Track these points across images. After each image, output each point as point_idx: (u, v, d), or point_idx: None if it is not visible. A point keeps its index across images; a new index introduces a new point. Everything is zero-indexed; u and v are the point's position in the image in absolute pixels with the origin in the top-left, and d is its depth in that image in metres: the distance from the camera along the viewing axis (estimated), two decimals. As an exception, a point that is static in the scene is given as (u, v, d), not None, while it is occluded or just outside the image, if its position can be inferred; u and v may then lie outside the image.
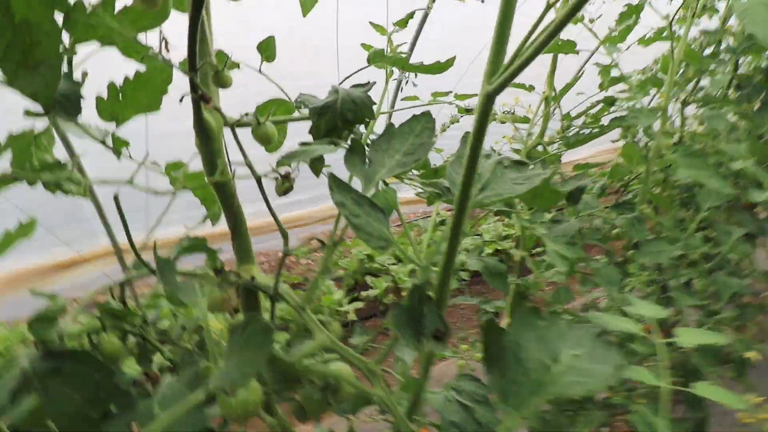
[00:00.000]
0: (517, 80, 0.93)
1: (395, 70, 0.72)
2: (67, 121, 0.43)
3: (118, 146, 0.49)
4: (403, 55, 0.61)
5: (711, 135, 1.40)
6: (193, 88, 0.42)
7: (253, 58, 0.63)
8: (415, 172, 0.86)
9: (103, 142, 0.45)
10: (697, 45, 1.44)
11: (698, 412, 1.17)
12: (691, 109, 1.48)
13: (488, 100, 0.27)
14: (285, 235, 0.41)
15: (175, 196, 0.48)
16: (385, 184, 0.46)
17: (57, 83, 0.39)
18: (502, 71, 0.25)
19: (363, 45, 0.60)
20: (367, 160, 0.45)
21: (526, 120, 1.21)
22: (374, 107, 0.62)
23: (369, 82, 0.55)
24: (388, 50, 0.63)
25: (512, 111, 1.31)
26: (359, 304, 3.09)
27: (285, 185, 0.40)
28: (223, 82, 0.44)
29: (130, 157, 0.50)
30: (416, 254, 0.40)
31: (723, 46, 1.37)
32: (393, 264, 3.37)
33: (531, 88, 1.20)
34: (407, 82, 0.74)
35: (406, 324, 0.33)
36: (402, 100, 0.74)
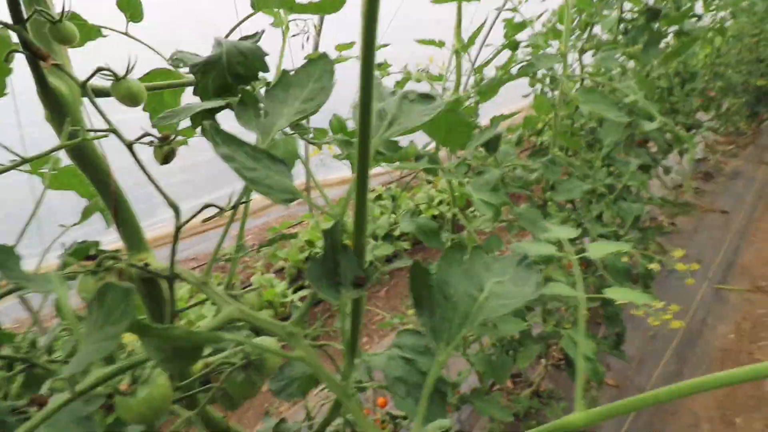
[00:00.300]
0: (429, 37, 0.91)
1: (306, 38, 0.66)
2: None
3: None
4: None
5: (606, 76, 1.51)
6: (24, 43, 0.34)
7: (147, 36, 0.54)
8: (333, 135, 0.82)
9: None
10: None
11: (616, 327, 1.31)
12: (588, 58, 1.59)
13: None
14: (175, 208, 0.35)
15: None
16: (285, 134, 0.42)
17: None
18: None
19: (248, -6, 0.54)
20: (262, 112, 0.40)
21: (440, 77, 1.21)
22: (276, 66, 0.56)
23: (257, 32, 0.49)
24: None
25: (427, 70, 1.31)
26: (305, 292, 3.02)
27: (165, 149, 0.35)
28: (64, 37, 0.36)
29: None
30: (329, 204, 0.36)
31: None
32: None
33: (441, 44, 1.20)
34: (308, 38, 0.68)
35: (321, 275, 0.30)
36: (304, 58, 0.69)
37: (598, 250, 0.42)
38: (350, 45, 0.69)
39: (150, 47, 0.58)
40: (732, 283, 2.63)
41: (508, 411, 1.14)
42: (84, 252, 0.58)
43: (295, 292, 3.03)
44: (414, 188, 4.07)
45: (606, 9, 1.35)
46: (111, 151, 0.56)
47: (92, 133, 0.35)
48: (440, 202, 3.89)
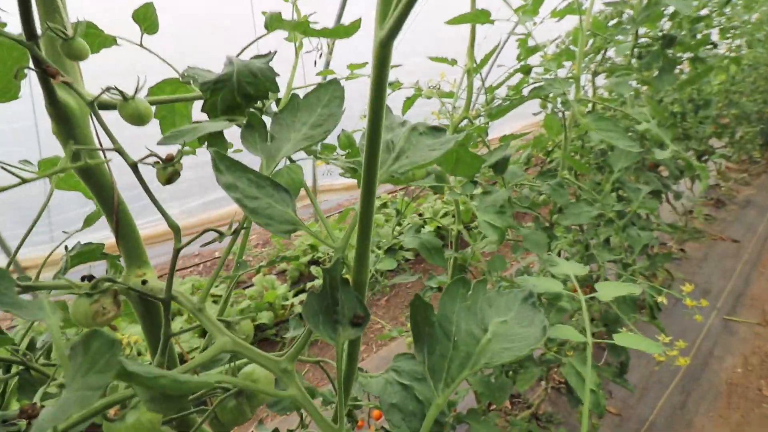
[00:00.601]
0: (441, 55, 0.90)
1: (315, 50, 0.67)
2: None
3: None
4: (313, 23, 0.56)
5: (618, 101, 1.50)
6: (35, 60, 0.34)
7: (164, 46, 0.54)
8: (341, 151, 0.82)
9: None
10: (602, 17, 1.53)
11: (620, 356, 1.28)
12: (601, 80, 1.58)
13: (383, 48, 0.24)
14: (176, 230, 0.35)
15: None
16: (291, 161, 0.42)
17: None
18: (392, 13, 0.22)
19: (263, 12, 0.54)
20: (268, 136, 0.39)
21: (451, 95, 1.21)
22: (287, 84, 0.56)
23: (270, 52, 0.49)
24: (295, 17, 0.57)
25: (438, 86, 1.31)
26: (305, 296, 3.01)
27: (168, 170, 0.34)
28: (77, 53, 0.36)
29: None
30: (331, 235, 0.36)
31: (624, 17, 1.47)
32: (337, 252, 3.31)
33: (454, 62, 1.20)
34: (321, 55, 0.68)
35: (318, 312, 0.29)
36: (317, 75, 0.69)
37: (607, 291, 0.41)
38: (363, 65, 0.69)
39: (159, 56, 0.58)
40: (741, 314, 2.57)
41: (505, 435, 1.11)
42: (88, 254, 0.58)
43: (296, 295, 3.02)
44: (420, 199, 4.06)
45: (620, 34, 1.35)
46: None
47: (99, 153, 0.35)
48: (445, 214, 3.88)
